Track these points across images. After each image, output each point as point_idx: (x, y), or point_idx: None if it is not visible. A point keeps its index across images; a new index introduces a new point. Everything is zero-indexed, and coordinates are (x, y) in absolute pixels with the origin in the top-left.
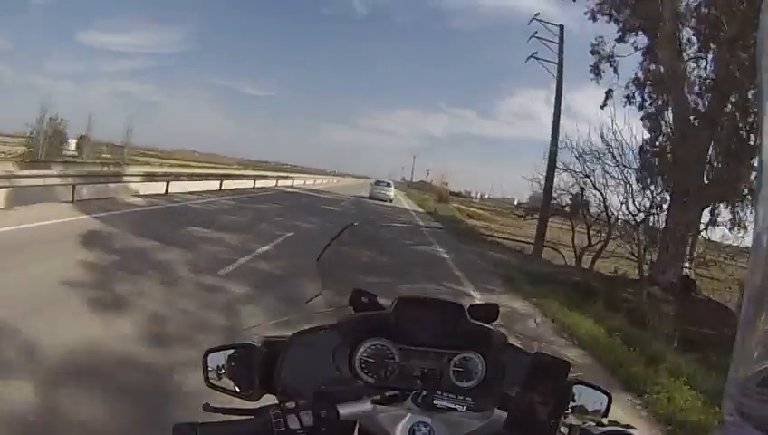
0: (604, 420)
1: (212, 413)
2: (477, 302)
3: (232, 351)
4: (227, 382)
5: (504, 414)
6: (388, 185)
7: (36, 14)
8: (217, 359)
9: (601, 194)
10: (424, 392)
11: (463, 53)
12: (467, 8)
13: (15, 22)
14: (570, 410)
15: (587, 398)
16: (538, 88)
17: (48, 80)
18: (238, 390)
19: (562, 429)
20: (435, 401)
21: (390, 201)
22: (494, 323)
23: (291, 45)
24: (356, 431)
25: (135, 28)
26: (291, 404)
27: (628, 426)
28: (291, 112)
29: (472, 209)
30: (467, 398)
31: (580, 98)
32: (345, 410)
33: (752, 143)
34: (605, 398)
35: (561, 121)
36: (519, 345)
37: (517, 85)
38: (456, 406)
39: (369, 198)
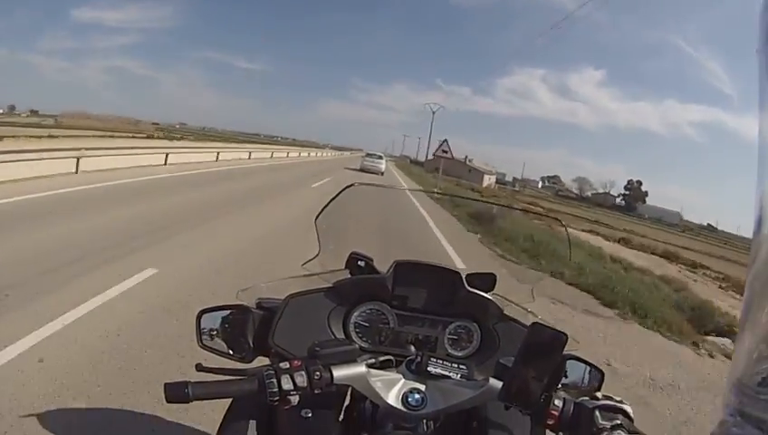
0: (598, 395)
1: (205, 373)
2: (475, 271)
3: (226, 312)
4: (221, 344)
5: (499, 384)
6: (380, 158)
7: None
8: (211, 320)
9: None
10: (418, 359)
11: (461, 30)
12: None
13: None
14: (560, 386)
15: (580, 373)
16: (535, 67)
17: (41, 57)
18: (232, 352)
19: (556, 401)
20: (429, 368)
21: (382, 174)
22: (490, 293)
23: (285, 20)
24: (349, 394)
25: (128, 3)
26: (284, 364)
27: (621, 401)
28: (286, 86)
29: None
30: (462, 366)
31: (576, 79)
32: (339, 373)
33: None
34: (598, 374)
35: (556, 100)
36: (515, 316)
37: (515, 64)
38: (450, 374)
39: (360, 170)
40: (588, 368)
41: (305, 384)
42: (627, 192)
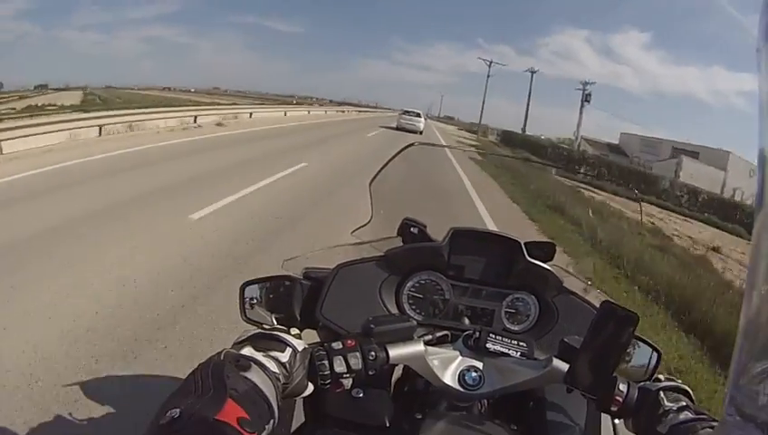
0: (660, 377)
1: None
2: (534, 239)
3: (271, 283)
4: (266, 317)
5: (564, 366)
6: (418, 115)
7: None
8: (255, 292)
9: None
10: (476, 334)
11: None
12: None
13: None
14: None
15: (637, 353)
16: (578, 28)
17: (75, 33)
18: (277, 325)
19: (621, 386)
20: (487, 345)
21: (420, 133)
22: (549, 263)
23: None
24: (401, 370)
25: None
26: (337, 344)
27: (681, 383)
28: (323, 48)
29: None
30: (522, 343)
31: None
32: (396, 352)
33: None
34: (655, 354)
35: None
36: (574, 289)
37: (557, 24)
38: (510, 351)
39: (397, 128)
40: (645, 348)
41: (359, 366)
42: None
